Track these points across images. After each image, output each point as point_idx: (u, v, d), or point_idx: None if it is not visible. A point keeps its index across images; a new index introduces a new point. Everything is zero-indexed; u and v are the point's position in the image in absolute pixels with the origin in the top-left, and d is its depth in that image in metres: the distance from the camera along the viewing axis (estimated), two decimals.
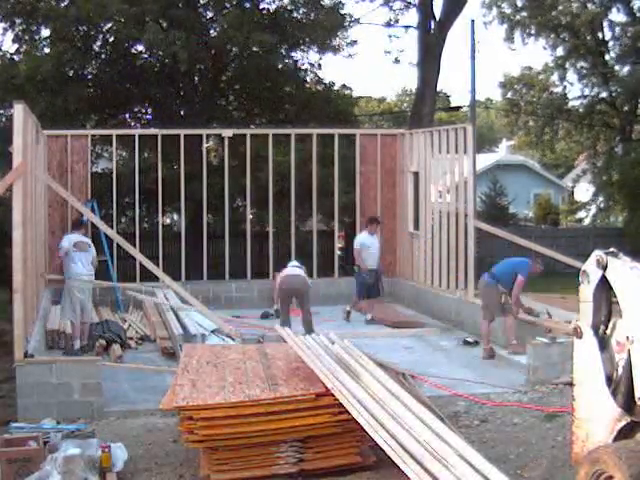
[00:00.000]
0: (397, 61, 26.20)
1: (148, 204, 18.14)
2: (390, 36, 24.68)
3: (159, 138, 15.96)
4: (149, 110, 21.65)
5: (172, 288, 12.93)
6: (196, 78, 20.59)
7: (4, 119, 19.04)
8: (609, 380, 5.44)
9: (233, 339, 10.83)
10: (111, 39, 19.52)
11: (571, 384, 6.09)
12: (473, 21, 26.61)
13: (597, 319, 5.59)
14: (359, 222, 16.73)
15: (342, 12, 21.14)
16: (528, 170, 41.03)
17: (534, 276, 11.71)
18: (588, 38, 28.35)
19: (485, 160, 39.11)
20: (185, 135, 16.14)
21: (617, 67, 28.41)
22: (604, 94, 28.83)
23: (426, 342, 12.80)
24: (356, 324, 14.13)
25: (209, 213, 17.05)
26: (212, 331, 11.78)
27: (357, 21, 22.11)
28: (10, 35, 19.64)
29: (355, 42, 21.62)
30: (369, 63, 65.99)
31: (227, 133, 16.50)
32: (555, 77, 30.29)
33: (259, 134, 17.40)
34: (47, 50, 19.51)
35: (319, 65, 21.19)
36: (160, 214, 17.32)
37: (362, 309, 14.62)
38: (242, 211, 18.41)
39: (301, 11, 20.46)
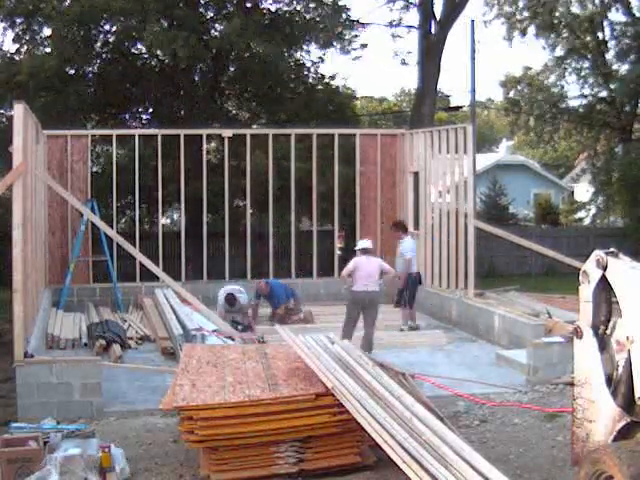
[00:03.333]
0: (405, 63, 26.03)
1: (148, 204, 18.14)
2: (394, 36, 24.64)
3: (159, 138, 15.97)
4: (149, 110, 21.65)
5: (172, 288, 12.95)
6: (196, 78, 20.59)
7: (4, 119, 19.04)
8: (609, 380, 5.43)
9: (233, 339, 10.83)
10: (112, 39, 19.54)
11: (571, 384, 6.09)
12: (473, 21, 26.61)
13: (597, 319, 5.58)
14: (359, 222, 16.74)
15: (344, 14, 21.10)
16: (528, 170, 40.98)
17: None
18: (588, 38, 28.34)
19: (485, 160, 39.06)
20: (185, 135, 16.15)
21: (617, 67, 28.43)
22: (604, 94, 28.82)
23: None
24: None
25: (209, 213, 17.05)
26: (212, 331, 11.77)
27: (360, 23, 22.04)
28: (11, 34, 19.68)
29: (365, 46, 21.68)
30: (368, 63, 66.01)
31: (227, 133, 16.51)
32: (555, 77, 30.27)
33: (259, 134, 17.40)
34: (48, 50, 19.51)
35: (321, 59, 21.18)
36: (160, 214, 17.32)
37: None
38: (242, 211, 18.41)
39: (301, 10, 20.46)
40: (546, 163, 46.33)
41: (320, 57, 21.05)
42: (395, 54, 26.95)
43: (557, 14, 27.67)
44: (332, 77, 21.63)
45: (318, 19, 20.05)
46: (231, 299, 13.46)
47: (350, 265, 11.54)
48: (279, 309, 13.77)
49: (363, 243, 11.98)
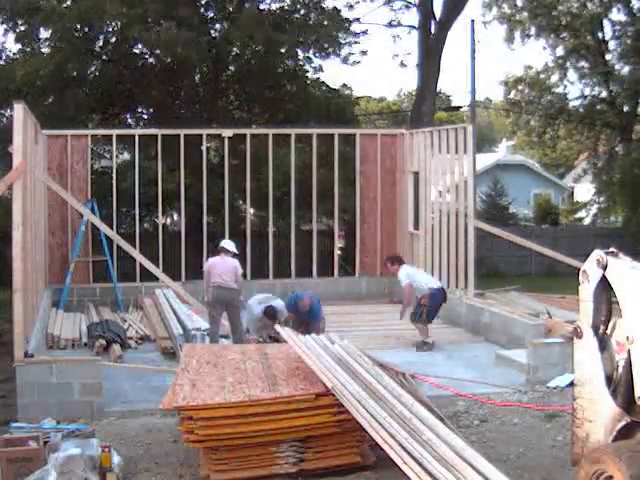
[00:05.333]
0: (404, 65, 25.93)
1: (148, 204, 18.13)
2: (395, 36, 24.74)
3: (159, 138, 15.95)
4: (149, 110, 21.65)
5: (172, 288, 12.94)
6: (196, 78, 20.58)
7: (4, 119, 19.02)
8: (609, 380, 5.43)
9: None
10: (112, 39, 19.52)
11: (571, 384, 6.09)
12: (473, 21, 26.66)
13: (597, 319, 5.59)
14: (359, 222, 16.74)
15: (344, 16, 21.13)
16: (528, 170, 41.03)
17: None
18: (588, 38, 28.34)
19: (485, 160, 39.09)
20: (185, 135, 16.13)
21: (617, 67, 28.42)
22: (604, 94, 28.83)
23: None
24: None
25: (209, 213, 17.04)
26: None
27: (358, 21, 22.02)
28: (12, 36, 19.66)
29: (365, 52, 21.73)
30: (368, 63, 66.00)
31: (227, 133, 16.50)
32: (555, 77, 30.29)
33: (259, 134, 17.39)
34: (48, 50, 19.50)
35: (320, 66, 21.21)
36: (160, 214, 17.31)
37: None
38: (242, 211, 18.38)
39: (302, 12, 20.46)
40: (546, 163, 46.31)
41: (320, 65, 21.09)
42: (395, 55, 26.94)
43: (556, 13, 27.66)
44: (335, 89, 21.61)
45: (317, 21, 20.07)
46: (271, 313, 11.88)
47: (205, 267, 11.77)
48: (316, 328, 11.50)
49: (223, 243, 12.10)
